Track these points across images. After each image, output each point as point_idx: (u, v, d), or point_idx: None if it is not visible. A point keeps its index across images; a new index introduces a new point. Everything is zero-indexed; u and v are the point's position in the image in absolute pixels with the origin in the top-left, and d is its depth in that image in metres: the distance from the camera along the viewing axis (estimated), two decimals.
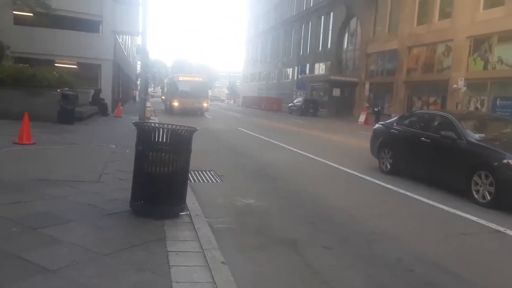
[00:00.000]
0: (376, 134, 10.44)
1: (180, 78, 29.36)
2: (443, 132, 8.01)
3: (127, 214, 4.95)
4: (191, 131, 5.09)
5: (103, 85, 22.89)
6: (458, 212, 6.50)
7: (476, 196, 7.10)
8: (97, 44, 22.53)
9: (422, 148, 8.58)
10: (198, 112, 27.78)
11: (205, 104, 28.10)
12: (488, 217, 6.25)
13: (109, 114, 21.12)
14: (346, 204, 6.71)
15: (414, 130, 9.24)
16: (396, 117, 10.77)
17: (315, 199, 6.90)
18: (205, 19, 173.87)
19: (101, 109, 20.81)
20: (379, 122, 11.14)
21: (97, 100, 21.08)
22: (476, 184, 7.16)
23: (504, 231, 5.66)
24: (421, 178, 8.68)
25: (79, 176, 6.70)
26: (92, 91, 21.24)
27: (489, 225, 5.90)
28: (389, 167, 9.46)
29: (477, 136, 7.80)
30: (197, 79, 29.90)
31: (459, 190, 7.57)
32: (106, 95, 22.47)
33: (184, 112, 26.53)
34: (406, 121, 9.81)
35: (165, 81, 39.98)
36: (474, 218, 6.20)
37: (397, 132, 9.62)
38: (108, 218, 4.80)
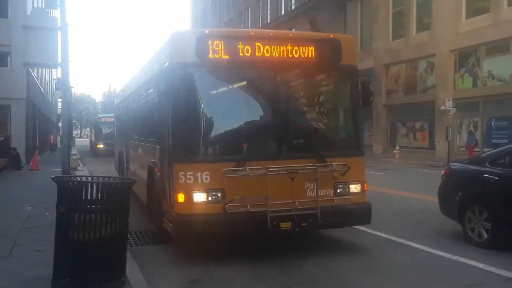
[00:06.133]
0: (453, 181, 8.19)
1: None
2: None
3: None
4: (128, 184, 5.01)
5: (14, 131, 22.36)
6: None
7: None
8: (5, 80, 22.07)
9: None
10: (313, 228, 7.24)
11: (354, 187, 7.20)
12: None
13: (23, 167, 20.57)
14: None
15: None
16: (489, 152, 8.54)
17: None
18: (141, 42, 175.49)
19: (12, 161, 20.24)
20: (453, 162, 9.21)
21: (6, 151, 20.50)
22: None
23: None
24: None
25: None
26: None
27: None
28: (486, 235, 7.22)
29: None
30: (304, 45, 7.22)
31: None
32: (19, 143, 21.90)
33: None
34: (508, 159, 7.57)
35: (129, 79, 13.74)
36: None
37: (496, 177, 7.33)
38: None
